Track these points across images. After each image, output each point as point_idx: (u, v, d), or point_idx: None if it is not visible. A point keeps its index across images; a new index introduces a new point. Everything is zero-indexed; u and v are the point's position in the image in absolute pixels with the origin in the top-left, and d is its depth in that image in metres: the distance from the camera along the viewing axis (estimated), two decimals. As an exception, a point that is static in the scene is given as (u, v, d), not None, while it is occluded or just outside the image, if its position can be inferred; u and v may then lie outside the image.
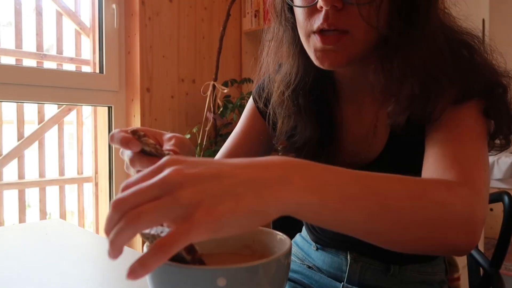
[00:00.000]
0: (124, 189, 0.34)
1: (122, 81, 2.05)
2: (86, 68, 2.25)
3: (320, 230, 0.81)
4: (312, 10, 0.61)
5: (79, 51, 2.29)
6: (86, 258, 0.79)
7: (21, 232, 0.97)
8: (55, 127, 2.39)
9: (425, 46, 0.59)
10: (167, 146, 0.55)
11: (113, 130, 0.52)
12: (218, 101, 2.09)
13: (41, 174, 2.33)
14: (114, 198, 0.34)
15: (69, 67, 2.30)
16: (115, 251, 0.32)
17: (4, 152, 2.20)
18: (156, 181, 0.32)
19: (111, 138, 0.52)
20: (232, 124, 2.16)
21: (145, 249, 0.44)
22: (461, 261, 0.88)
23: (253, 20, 2.34)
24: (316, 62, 0.63)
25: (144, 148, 0.50)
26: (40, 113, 2.34)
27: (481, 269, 0.83)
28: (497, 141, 0.64)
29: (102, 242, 0.92)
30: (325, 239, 0.80)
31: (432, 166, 0.55)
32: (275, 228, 0.65)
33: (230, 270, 0.39)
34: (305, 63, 0.70)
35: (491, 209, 3.38)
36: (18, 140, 2.25)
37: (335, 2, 0.57)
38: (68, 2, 2.24)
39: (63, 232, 0.97)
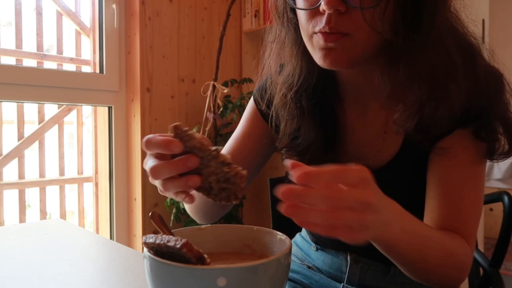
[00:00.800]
0: (336, 173, 0.40)
1: (122, 81, 2.05)
2: (86, 68, 2.25)
3: (320, 230, 0.80)
4: (314, 12, 0.60)
5: (79, 51, 2.29)
6: (86, 258, 0.79)
7: (21, 232, 0.97)
8: (55, 127, 2.39)
9: (432, 50, 0.59)
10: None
11: (148, 136, 0.47)
12: (218, 101, 2.09)
13: (41, 174, 2.33)
14: (321, 175, 0.39)
15: (69, 67, 2.30)
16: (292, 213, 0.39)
17: (4, 152, 2.20)
18: (362, 198, 0.41)
19: (148, 144, 0.46)
20: (232, 124, 2.16)
21: (145, 251, 0.44)
22: (461, 261, 0.88)
23: (253, 20, 2.34)
24: (318, 61, 0.63)
25: (187, 143, 0.45)
26: (40, 113, 2.34)
27: (481, 269, 0.83)
28: (505, 148, 0.64)
29: (102, 242, 0.92)
30: (325, 240, 0.80)
31: (441, 217, 0.64)
32: (275, 228, 0.65)
33: (230, 270, 0.39)
34: (308, 64, 0.69)
35: (491, 209, 3.37)
36: (18, 140, 2.25)
37: (338, 6, 0.56)
38: (68, 2, 2.24)
39: (63, 232, 0.97)
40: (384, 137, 0.70)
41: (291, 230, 0.83)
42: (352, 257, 0.75)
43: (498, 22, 3.51)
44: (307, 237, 0.86)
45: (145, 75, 2.00)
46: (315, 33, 0.61)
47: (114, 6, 2.00)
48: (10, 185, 2.24)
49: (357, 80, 0.70)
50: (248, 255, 0.52)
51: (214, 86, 2.07)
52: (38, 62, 2.22)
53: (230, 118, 2.08)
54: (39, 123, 2.32)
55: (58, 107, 2.37)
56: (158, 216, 0.51)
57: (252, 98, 0.84)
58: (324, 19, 0.58)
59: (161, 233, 0.48)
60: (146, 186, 2.01)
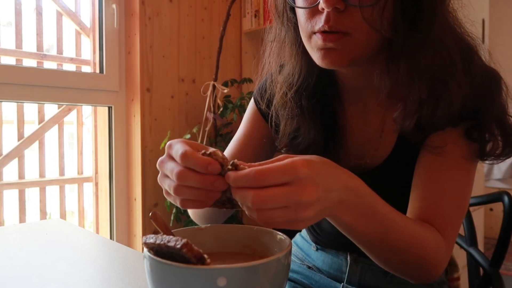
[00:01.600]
0: (255, 177, 0.41)
1: (122, 81, 2.05)
2: (86, 68, 2.25)
3: (320, 231, 0.80)
4: (313, 11, 0.60)
5: (79, 51, 2.29)
6: (86, 258, 0.79)
7: (21, 232, 0.97)
8: (55, 127, 2.39)
9: (432, 49, 0.59)
10: None
11: (181, 148, 0.46)
12: (218, 101, 2.09)
13: (41, 173, 2.33)
14: (253, 174, 0.42)
15: (69, 67, 2.30)
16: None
17: (4, 152, 2.20)
18: (293, 198, 0.42)
19: (185, 158, 0.45)
20: (232, 124, 2.16)
21: (145, 251, 0.44)
22: (461, 261, 0.88)
23: (253, 20, 2.34)
24: (317, 61, 0.63)
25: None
26: (40, 113, 2.34)
27: (481, 269, 0.83)
28: (498, 151, 0.64)
29: (102, 242, 0.92)
30: (324, 240, 0.80)
31: (421, 206, 0.63)
32: (275, 228, 0.65)
33: (230, 270, 0.39)
34: (308, 63, 0.69)
35: (491, 209, 3.38)
36: (18, 140, 2.25)
37: (337, 4, 0.56)
38: (68, 2, 2.24)
39: (63, 232, 0.97)
40: (381, 136, 0.70)
41: (291, 230, 0.83)
42: (352, 257, 0.75)
43: (498, 22, 3.51)
44: (307, 237, 0.86)
45: (145, 75, 2.00)
46: (314, 33, 0.61)
47: (114, 6, 2.00)
48: (10, 185, 2.24)
49: (357, 79, 0.70)
50: (248, 255, 0.52)
51: (214, 86, 2.07)
52: (38, 62, 2.22)
53: (230, 118, 2.08)
54: (39, 123, 2.32)
55: (58, 107, 2.37)
56: (158, 216, 0.51)
57: (252, 99, 0.84)
58: (323, 17, 0.58)
59: (161, 233, 0.48)
60: (146, 186, 2.01)
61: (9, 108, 2.30)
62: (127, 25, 2.04)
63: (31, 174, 2.33)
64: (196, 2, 2.21)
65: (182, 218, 1.95)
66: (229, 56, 2.36)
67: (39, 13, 2.13)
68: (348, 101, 0.74)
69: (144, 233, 2.01)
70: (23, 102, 2.16)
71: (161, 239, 0.42)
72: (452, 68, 0.59)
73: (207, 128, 2.09)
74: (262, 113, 0.80)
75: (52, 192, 2.42)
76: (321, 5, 0.57)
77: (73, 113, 2.45)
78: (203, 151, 0.45)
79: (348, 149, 0.73)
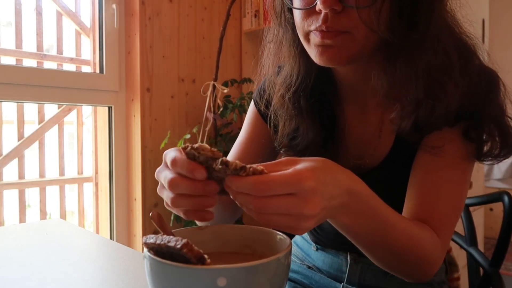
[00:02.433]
0: (258, 187, 0.41)
1: (122, 81, 2.05)
2: (86, 68, 2.25)
3: (320, 231, 0.80)
4: (310, 12, 0.60)
5: (79, 51, 2.29)
6: (86, 258, 0.79)
7: (21, 232, 0.97)
8: (55, 127, 2.39)
9: (429, 49, 0.59)
10: None
11: (172, 154, 0.46)
12: (218, 101, 2.09)
13: (41, 174, 2.33)
14: (254, 183, 0.41)
15: (69, 67, 2.30)
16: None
17: (4, 152, 2.20)
18: (296, 209, 0.42)
19: (174, 164, 0.45)
20: (232, 124, 2.16)
21: (145, 251, 0.44)
22: (461, 261, 0.88)
23: (253, 20, 2.34)
24: (315, 58, 0.63)
25: (198, 158, 0.44)
26: (40, 113, 2.34)
27: (481, 269, 0.83)
28: (497, 151, 0.64)
29: (102, 242, 0.92)
30: (325, 240, 0.80)
31: (416, 205, 0.63)
32: (275, 228, 0.64)
33: (230, 270, 0.39)
34: (306, 64, 0.69)
35: (491, 209, 3.38)
36: (18, 140, 2.25)
37: (334, 5, 0.56)
38: (68, 2, 2.24)
39: (63, 232, 0.97)
40: (379, 136, 0.70)
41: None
42: (352, 257, 0.75)
43: (498, 22, 3.52)
44: (307, 237, 0.86)
45: (145, 75, 2.00)
46: (311, 31, 0.61)
47: (114, 6, 2.00)
48: (10, 185, 2.24)
49: (355, 79, 0.70)
50: (248, 255, 0.52)
51: (214, 86, 2.07)
52: (38, 62, 2.21)
53: (230, 118, 2.08)
54: (39, 123, 2.32)
55: (58, 107, 2.37)
56: (158, 216, 0.51)
57: (252, 101, 0.84)
58: (320, 18, 0.58)
59: (161, 233, 0.48)
60: (146, 186, 2.01)
61: (9, 108, 2.30)
62: (127, 25, 2.04)
63: (31, 174, 2.33)
64: (196, 2, 2.21)
65: (182, 218, 1.95)
66: (229, 56, 2.36)
67: (39, 13, 2.13)
68: (347, 102, 0.74)
69: (144, 233, 2.01)
70: (23, 102, 2.16)
71: (161, 239, 0.42)
72: (449, 69, 0.60)
73: (207, 128, 2.09)
74: (262, 113, 0.80)
75: (52, 192, 2.42)
76: (319, 6, 0.57)
77: (73, 113, 2.45)
78: (189, 146, 0.44)
79: (347, 149, 0.73)
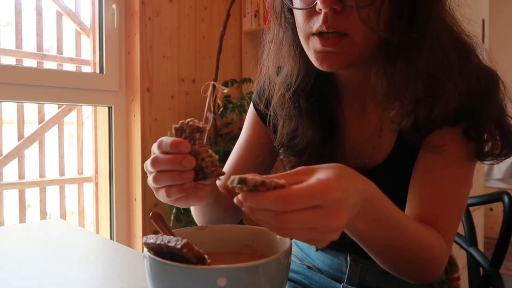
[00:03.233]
0: (282, 201, 0.39)
1: (122, 81, 2.05)
2: (86, 68, 2.25)
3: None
4: (311, 12, 0.60)
5: (79, 51, 2.29)
6: (86, 258, 0.79)
7: (21, 232, 0.97)
8: (55, 127, 2.39)
9: (428, 48, 0.59)
10: None
11: (161, 138, 0.50)
12: (218, 101, 2.09)
13: (41, 174, 2.33)
14: (279, 199, 0.39)
15: (69, 67, 2.30)
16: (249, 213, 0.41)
17: (4, 152, 2.20)
18: (322, 223, 0.40)
19: (159, 145, 0.50)
20: (232, 124, 2.16)
21: (145, 251, 0.44)
22: (461, 261, 0.88)
23: (253, 20, 2.34)
24: (315, 64, 0.63)
25: (186, 130, 0.49)
26: (40, 113, 2.34)
27: (481, 269, 0.83)
28: (498, 151, 0.64)
29: (102, 242, 0.92)
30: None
31: (420, 211, 0.63)
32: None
33: (230, 270, 0.39)
34: (306, 64, 0.69)
35: (491, 209, 3.38)
36: (18, 140, 2.25)
37: (334, 5, 0.56)
38: (68, 2, 2.24)
39: (63, 232, 0.97)
40: (379, 135, 0.70)
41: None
42: (352, 257, 0.75)
43: (498, 22, 3.51)
44: (307, 237, 0.86)
45: (145, 75, 2.00)
46: (313, 34, 0.61)
47: (114, 6, 2.00)
48: (10, 185, 2.24)
49: (355, 79, 0.70)
50: (248, 255, 0.52)
51: (214, 86, 2.07)
52: (38, 62, 2.21)
53: (230, 118, 2.08)
54: (39, 123, 2.32)
55: (58, 107, 2.37)
56: (159, 216, 0.51)
57: (252, 103, 0.84)
58: (320, 18, 0.58)
59: (162, 233, 0.48)
60: (146, 186, 2.01)
61: (9, 108, 2.30)
62: (127, 25, 2.04)
63: (31, 174, 2.33)
64: (196, 2, 2.21)
65: (182, 218, 1.95)
66: (229, 56, 2.36)
67: (39, 13, 2.13)
68: (346, 101, 0.74)
69: (144, 233, 2.01)
70: (23, 102, 2.16)
71: (161, 239, 0.42)
72: (448, 68, 0.60)
73: (207, 128, 2.08)
74: (261, 115, 0.80)
75: (52, 192, 2.42)
76: (318, 5, 0.57)
77: (73, 113, 2.45)
78: (181, 121, 0.49)
79: (346, 149, 0.73)
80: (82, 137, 2.46)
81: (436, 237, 0.59)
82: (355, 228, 0.50)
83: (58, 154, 2.39)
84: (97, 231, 2.15)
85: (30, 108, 2.33)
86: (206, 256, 0.41)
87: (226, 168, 0.83)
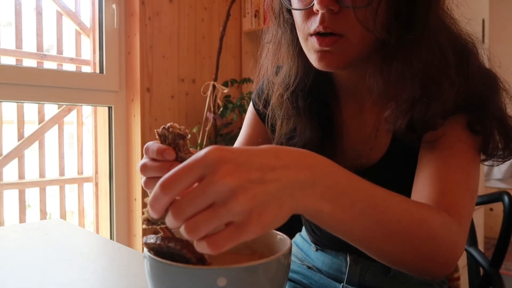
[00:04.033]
0: (164, 187, 0.34)
1: (122, 81, 2.05)
2: (86, 68, 2.25)
3: (319, 232, 0.80)
4: (309, 12, 0.61)
5: (79, 51, 2.29)
6: (86, 258, 0.79)
7: (21, 232, 0.97)
8: (55, 127, 2.39)
9: (424, 49, 0.59)
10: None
11: (147, 143, 0.50)
12: (218, 101, 2.09)
13: (41, 174, 2.33)
14: (160, 186, 0.34)
15: (69, 67, 2.30)
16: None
17: (4, 152, 2.20)
18: (209, 190, 0.33)
19: (146, 151, 0.49)
20: (232, 124, 2.16)
21: (145, 251, 0.44)
22: (461, 261, 0.88)
23: (253, 20, 2.34)
24: (314, 63, 0.63)
25: (168, 136, 0.48)
26: (40, 113, 2.34)
27: (481, 269, 0.83)
28: (499, 152, 0.63)
29: (102, 242, 0.92)
30: (324, 241, 0.80)
31: (424, 190, 0.58)
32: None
33: (230, 270, 0.39)
34: (304, 64, 0.70)
35: (491, 209, 3.38)
36: (18, 140, 2.25)
37: (331, 5, 0.57)
38: (68, 2, 2.24)
39: (63, 232, 0.97)
40: (376, 135, 0.70)
41: (291, 230, 0.83)
42: (351, 257, 0.75)
43: (498, 22, 3.52)
44: (307, 237, 0.86)
45: (145, 75, 2.00)
46: (311, 35, 0.61)
47: (114, 6, 2.00)
48: (10, 185, 2.24)
49: (352, 79, 0.70)
50: (248, 255, 0.52)
51: (214, 86, 2.07)
52: (38, 62, 2.22)
53: (230, 118, 2.08)
54: (39, 123, 2.32)
55: (58, 107, 2.37)
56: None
57: (251, 103, 0.84)
58: (318, 19, 0.59)
59: (162, 233, 0.48)
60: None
61: (9, 108, 2.30)
62: (127, 25, 2.04)
63: (31, 174, 2.33)
64: (196, 2, 2.21)
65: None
66: (229, 56, 2.36)
67: (39, 13, 2.13)
68: (345, 101, 0.74)
69: (144, 233, 2.01)
70: (23, 102, 2.16)
71: (162, 239, 0.42)
72: (445, 68, 0.60)
73: (207, 128, 2.09)
74: (260, 114, 0.81)
75: (52, 192, 2.42)
76: (316, 6, 0.58)
77: (73, 113, 2.45)
78: (162, 126, 0.48)
79: (344, 148, 0.73)
80: (82, 137, 2.46)
81: (435, 213, 0.50)
82: (321, 212, 0.39)
83: (58, 154, 2.39)
84: (97, 231, 2.15)
85: (30, 108, 2.33)
86: (206, 256, 0.41)
87: None
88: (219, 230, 0.34)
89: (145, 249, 0.44)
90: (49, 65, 2.25)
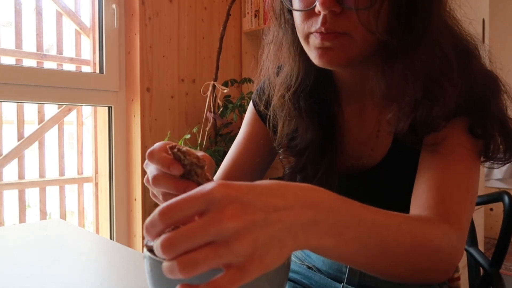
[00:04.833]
0: (163, 214, 0.33)
1: (122, 81, 2.05)
2: (86, 68, 2.25)
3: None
4: (310, 13, 0.60)
5: (79, 51, 2.29)
6: (86, 258, 0.79)
7: (21, 232, 0.97)
8: (55, 127, 2.39)
9: (427, 50, 0.59)
10: None
11: (154, 146, 0.48)
12: (218, 101, 2.09)
13: (41, 174, 2.33)
14: (160, 213, 0.33)
15: (69, 67, 2.30)
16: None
17: (4, 152, 2.20)
18: (212, 229, 0.32)
19: (150, 156, 0.47)
20: (232, 124, 2.16)
21: (145, 251, 0.44)
22: (461, 261, 0.88)
23: (253, 20, 2.34)
24: (315, 60, 0.63)
25: (184, 160, 0.45)
26: (40, 113, 2.34)
27: (481, 269, 0.83)
28: (500, 155, 0.63)
29: (102, 242, 0.92)
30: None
31: (424, 195, 0.58)
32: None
33: (230, 270, 0.39)
34: (305, 64, 0.69)
35: (491, 209, 3.38)
36: (18, 140, 2.25)
37: (333, 7, 0.56)
38: (68, 2, 2.24)
39: (63, 232, 0.97)
40: (377, 136, 0.70)
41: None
42: (352, 257, 0.75)
43: (498, 22, 3.52)
44: (307, 237, 0.86)
45: (145, 75, 2.00)
46: (311, 33, 0.61)
47: (114, 6, 2.00)
48: (10, 185, 2.24)
49: (353, 80, 0.70)
50: (248, 255, 0.52)
51: (214, 86, 2.07)
52: (38, 62, 2.22)
53: (230, 118, 2.08)
54: (39, 123, 2.32)
55: (58, 107, 2.37)
56: None
57: (251, 103, 0.84)
58: (319, 20, 0.58)
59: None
60: (146, 186, 2.01)
61: (9, 108, 2.30)
62: (127, 25, 2.04)
63: (31, 174, 2.33)
64: (196, 2, 2.21)
65: (182, 218, 1.95)
66: (229, 56, 2.36)
67: (39, 13, 2.13)
68: (346, 102, 0.74)
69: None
70: (23, 102, 2.16)
71: None
72: (447, 69, 0.59)
73: (207, 129, 2.09)
74: (261, 115, 0.80)
75: (52, 192, 2.42)
76: (317, 7, 0.57)
77: (73, 113, 2.45)
78: (176, 148, 0.45)
79: (345, 149, 0.73)
80: (82, 138, 2.46)
81: (436, 227, 0.51)
82: (324, 248, 0.40)
83: (58, 154, 2.39)
84: (97, 231, 2.15)
85: (30, 108, 2.33)
86: None
87: (223, 165, 0.83)
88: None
89: (145, 249, 0.44)
90: (49, 65, 2.25)
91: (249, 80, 2.19)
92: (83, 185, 2.46)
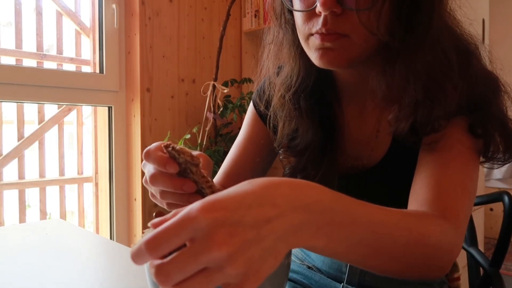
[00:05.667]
0: (150, 247, 0.32)
1: (122, 81, 2.05)
2: (86, 68, 2.25)
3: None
4: (310, 14, 0.60)
5: (79, 51, 2.29)
6: (86, 258, 0.79)
7: (21, 232, 0.97)
8: (55, 127, 2.39)
9: (428, 51, 0.59)
10: None
11: (150, 146, 0.49)
12: (218, 101, 2.09)
13: (41, 174, 2.33)
14: (146, 245, 0.32)
15: (69, 67, 2.30)
16: None
17: (4, 152, 2.20)
18: (202, 258, 0.31)
19: (147, 156, 0.48)
20: (232, 124, 2.16)
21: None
22: (461, 261, 0.88)
23: (253, 20, 2.34)
24: (315, 61, 0.63)
25: (178, 159, 0.46)
26: (40, 113, 2.34)
27: (481, 269, 0.83)
28: (500, 155, 0.63)
29: (102, 242, 0.92)
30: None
31: (421, 191, 0.57)
32: None
33: (230, 270, 0.39)
34: (306, 65, 0.69)
35: (491, 209, 3.38)
36: (18, 140, 2.25)
37: (333, 7, 0.56)
38: (68, 2, 2.24)
39: (63, 232, 0.97)
40: (377, 136, 0.70)
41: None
42: (352, 257, 0.75)
43: (498, 22, 3.52)
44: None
45: (145, 75, 2.00)
46: (312, 34, 0.61)
47: (114, 6, 2.00)
48: (10, 185, 2.24)
49: (354, 80, 0.70)
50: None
51: (214, 86, 2.07)
52: (38, 62, 2.22)
53: (230, 118, 2.08)
54: (39, 123, 2.32)
55: (58, 107, 2.37)
56: (161, 215, 0.52)
57: (251, 103, 0.84)
58: (320, 20, 0.58)
59: None
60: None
61: (9, 108, 2.30)
62: (127, 25, 2.04)
63: (31, 174, 2.33)
64: (196, 2, 2.21)
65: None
66: (229, 56, 2.36)
67: (39, 13, 2.13)
68: (346, 103, 0.74)
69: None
70: (23, 102, 2.16)
71: None
72: (448, 70, 0.59)
73: (207, 129, 2.09)
74: (261, 115, 0.80)
75: (52, 192, 2.42)
76: (318, 8, 0.57)
77: (73, 113, 2.45)
78: (171, 146, 0.45)
79: (346, 149, 0.73)
80: (82, 137, 2.46)
81: (433, 223, 0.50)
82: (315, 247, 0.39)
83: (58, 154, 2.39)
84: (97, 231, 2.15)
85: (30, 108, 2.34)
86: None
87: (224, 166, 0.83)
88: None
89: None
90: (49, 65, 2.25)
91: (249, 80, 2.19)
92: (83, 185, 2.46)
